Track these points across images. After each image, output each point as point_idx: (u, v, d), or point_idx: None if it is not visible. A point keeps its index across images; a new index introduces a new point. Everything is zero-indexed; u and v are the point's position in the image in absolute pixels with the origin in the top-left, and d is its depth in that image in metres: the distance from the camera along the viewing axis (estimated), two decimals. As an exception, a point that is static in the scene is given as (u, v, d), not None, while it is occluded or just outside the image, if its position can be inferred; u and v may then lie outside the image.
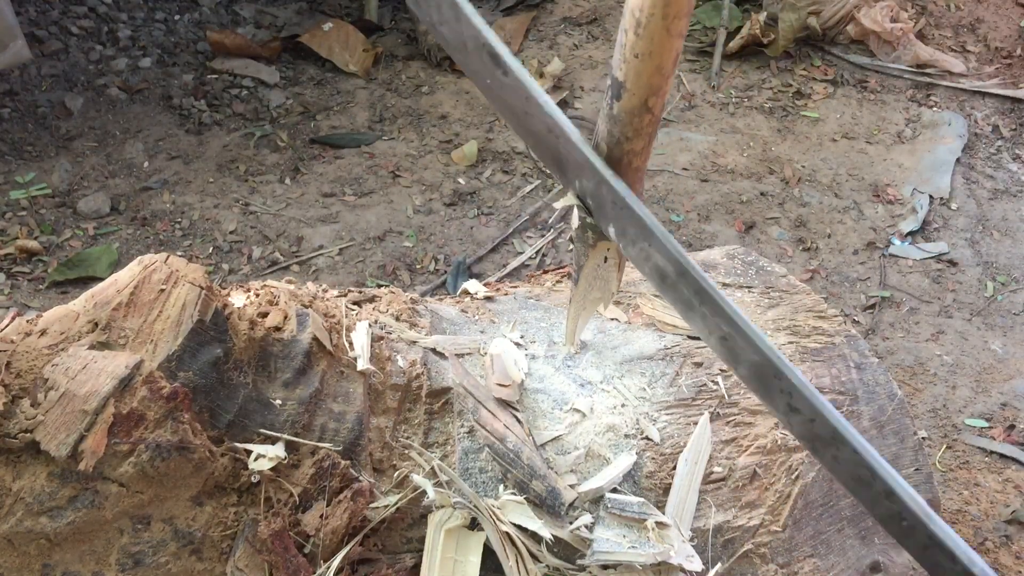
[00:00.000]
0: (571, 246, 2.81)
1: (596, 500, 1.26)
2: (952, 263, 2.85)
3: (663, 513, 1.26)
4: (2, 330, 1.14)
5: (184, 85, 3.31)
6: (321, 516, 1.15)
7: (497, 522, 1.19)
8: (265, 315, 1.25)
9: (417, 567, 1.19)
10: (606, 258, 1.25)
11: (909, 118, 3.44)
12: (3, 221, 2.73)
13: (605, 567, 1.21)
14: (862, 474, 0.90)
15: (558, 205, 1.13)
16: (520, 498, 1.22)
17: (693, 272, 0.98)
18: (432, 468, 1.23)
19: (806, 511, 1.35)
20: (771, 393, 0.95)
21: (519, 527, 1.21)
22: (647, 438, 1.32)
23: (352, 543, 1.17)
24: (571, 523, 1.23)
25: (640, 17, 0.91)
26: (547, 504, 1.23)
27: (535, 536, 1.21)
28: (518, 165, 3.11)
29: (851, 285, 2.75)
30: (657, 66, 0.95)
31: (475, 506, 1.20)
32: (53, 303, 2.41)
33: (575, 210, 1.16)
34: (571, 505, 1.24)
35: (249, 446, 1.15)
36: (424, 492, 1.21)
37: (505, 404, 1.30)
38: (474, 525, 1.22)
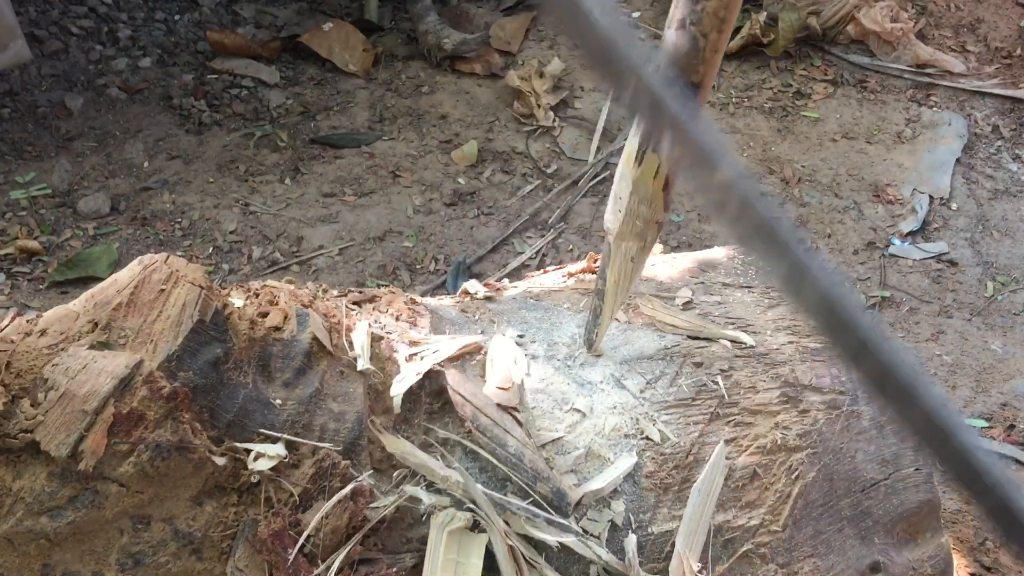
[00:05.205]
0: (571, 247, 2.81)
1: (599, 500, 1.26)
2: (952, 263, 2.85)
3: (671, 537, 1.25)
4: (2, 330, 1.14)
5: (184, 85, 3.31)
6: (321, 516, 1.15)
7: (505, 536, 1.19)
8: (265, 315, 1.25)
9: (417, 567, 1.19)
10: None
11: (909, 118, 3.44)
12: (3, 221, 2.73)
13: None
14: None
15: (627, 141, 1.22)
16: (528, 507, 1.21)
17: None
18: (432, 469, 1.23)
19: (806, 511, 1.35)
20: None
21: (524, 536, 1.20)
22: (647, 438, 1.31)
23: (352, 543, 1.16)
24: (578, 520, 1.23)
25: None
26: (553, 505, 1.23)
27: (536, 545, 1.20)
28: (518, 165, 3.11)
29: (851, 285, 2.75)
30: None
31: (486, 515, 1.20)
32: (53, 303, 2.41)
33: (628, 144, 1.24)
34: (578, 504, 1.24)
35: (249, 446, 1.15)
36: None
37: (504, 407, 1.29)
38: (475, 526, 1.21)
